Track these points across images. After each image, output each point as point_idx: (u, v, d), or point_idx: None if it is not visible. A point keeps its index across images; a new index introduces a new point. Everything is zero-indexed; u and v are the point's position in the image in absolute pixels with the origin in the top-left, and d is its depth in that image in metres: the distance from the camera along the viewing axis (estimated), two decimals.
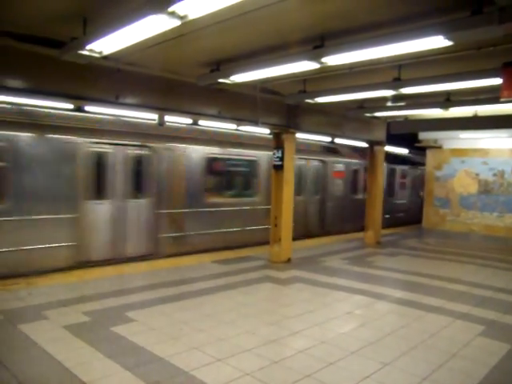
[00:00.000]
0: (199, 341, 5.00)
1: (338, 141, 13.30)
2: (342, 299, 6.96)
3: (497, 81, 6.07)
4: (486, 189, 14.76)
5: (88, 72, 6.39)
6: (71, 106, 7.42)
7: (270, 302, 6.74)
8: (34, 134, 7.70)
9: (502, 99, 5.02)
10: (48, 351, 4.53)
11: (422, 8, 4.46)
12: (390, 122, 12.32)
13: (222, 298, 6.79)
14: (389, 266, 9.71)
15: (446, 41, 4.47)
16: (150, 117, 8.42)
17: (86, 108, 7.98)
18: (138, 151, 9.30)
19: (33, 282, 7.09)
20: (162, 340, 5.00)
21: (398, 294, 7.36)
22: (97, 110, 8.11)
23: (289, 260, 9.70)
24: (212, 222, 10.70)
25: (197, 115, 8.35)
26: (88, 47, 5.02)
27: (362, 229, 13.50)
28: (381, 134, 13.05)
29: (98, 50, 5.10)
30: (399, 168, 18.40)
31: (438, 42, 4.54)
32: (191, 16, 3.87)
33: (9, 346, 4.70)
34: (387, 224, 15.83)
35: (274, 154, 9.66)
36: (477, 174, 14.94)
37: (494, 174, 14.57)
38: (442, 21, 4.42)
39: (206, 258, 9.72)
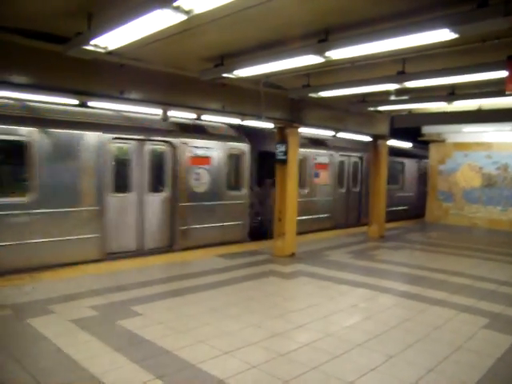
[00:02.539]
0: (205, 334, 5.04)
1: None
2: (346, 292, 6.99)
3: (502, 74, 6.05)
4: (489, 182, 14.74)
5: (92, 67, 6.40)
6: (76, 102, 7.43)
7: (275, 296, 6.77)
8: None
9: (507, 92, 4.99)
10: (57, 345, 4.58)
11: (427, 1, 4.45)
12: (393, 116, 12.30)
13: (227, 292, 6.82)
14: (392, 259, 9.73)
15: (452, 34, 4.44)
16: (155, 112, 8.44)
17: (90, 103, 8.00)
18: None
19: (37, 277, 7.14)
20: (168, 333, 5.04)
21: (402, 287, 7.39)
22: (101, 106, 8.11)
23: (293, 254, 9.73)
24: None
25: (201, 110, 8.35)
26: (92, 42, 5.02)
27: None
28: (384, 128, 13.03)
29: (102, 45, 5.10)
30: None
31: (443, 35, 4.52)
32: (196, 11, 3.87)
33: (19, 339, 4.75)
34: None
35: (277, 148, 9.66)
36: (480, 168, 14.92)
37: (498, 168, 14.55)
38: (447, 14, 4.40)
39: (211, 252, 9.76)
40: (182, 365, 4.25)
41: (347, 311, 6.11)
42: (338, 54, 5.38)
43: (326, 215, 14.30)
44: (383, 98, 9.72)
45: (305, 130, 11.14)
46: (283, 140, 9.58)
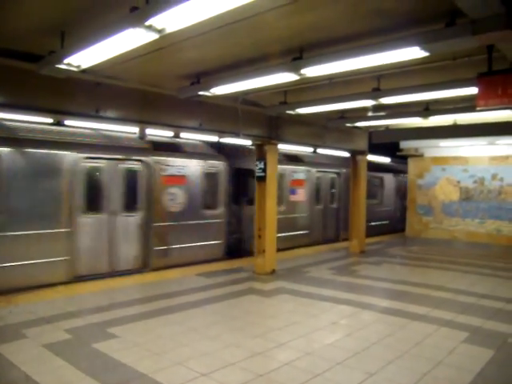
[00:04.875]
0: (183, 356, 4.92)
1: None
2: (327, 309, 6.94)
3: (473, 90, 6.16)
4: (467, 196, 14.98)
5: (68, 86, 6.34)
6: (51, 120, 7.35)
7: (255, 315, 6.69)
8: None
9: (478, 108, 5.10)
10: (26, 372, 4.41)
11: (399, 20, 4.54)
12: (371, 132, 12.44)
13: (206, 311, 6.72)
14: (373, 274, 9.73)
15: (422, 52, 4.54)
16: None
17: (66, 122, 7.91)
18: None
19: (14, 300, 6.93)
20: (145, 356, 4.91)
21: (383, 302, 7.37)
22: (77, 124, 8.03)
23: (273, 271, 9.66)
24: None
25: (178, 128, 8.33)
26: (66, 61, 4.98)
27: None
28: (363, 144, 13.17)
29: (75, 63, 5.07)
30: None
31: (414, 52, 4.62)
32: (169, 29, 3.88)
33: None
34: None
35: (256, 165, 9.65)
36: (458, 182, 15.16)
37: (475, 182, 14.80)
38: (417, 32, 4.51)
39: (190, 271, 9.63)
40: None
41: (328, 328, 6.06)
42: (312, 71, 5.43)
43: (303, 232, 14.06)
44: (361, 114, 9.83)
45: (284, 147, 11.18)
46: (262, 157, 9.59)
